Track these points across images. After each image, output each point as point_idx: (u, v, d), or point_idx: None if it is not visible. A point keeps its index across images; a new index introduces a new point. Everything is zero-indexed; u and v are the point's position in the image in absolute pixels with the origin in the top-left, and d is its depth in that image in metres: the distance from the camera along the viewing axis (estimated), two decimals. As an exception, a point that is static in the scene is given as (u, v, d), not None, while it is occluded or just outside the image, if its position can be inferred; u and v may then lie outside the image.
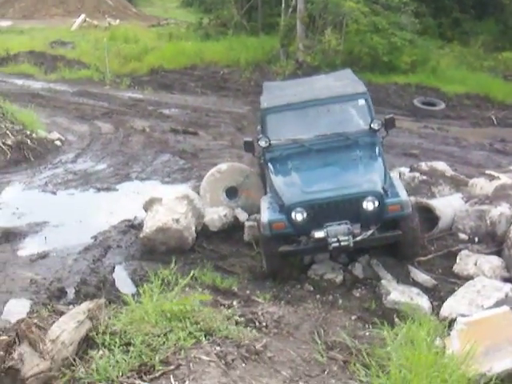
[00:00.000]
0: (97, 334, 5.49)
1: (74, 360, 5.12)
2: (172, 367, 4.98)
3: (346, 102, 9.71)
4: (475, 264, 8.89)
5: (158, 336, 5.44)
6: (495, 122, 18.84)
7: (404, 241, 8.70)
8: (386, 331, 7.09)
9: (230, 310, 6.52)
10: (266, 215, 8.55)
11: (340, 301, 8.42)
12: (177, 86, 22.07)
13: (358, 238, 8.27)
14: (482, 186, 10.67)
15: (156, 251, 9.59)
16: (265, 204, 8.86)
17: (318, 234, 8.24)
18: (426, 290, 8.65)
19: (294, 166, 9.06)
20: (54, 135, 15.33)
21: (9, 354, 4.80)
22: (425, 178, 11.48)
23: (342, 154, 9.19)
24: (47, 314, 6.75)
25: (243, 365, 5.33)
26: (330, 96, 9.70)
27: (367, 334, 7.33)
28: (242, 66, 23.19)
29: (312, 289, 8.72)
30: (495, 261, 9.01)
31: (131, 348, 5.22)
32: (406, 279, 8.85)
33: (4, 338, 5.12)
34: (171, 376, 4.86)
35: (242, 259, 9.57)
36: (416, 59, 23.31)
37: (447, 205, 10.15)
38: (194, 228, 9.74)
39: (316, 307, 8.13)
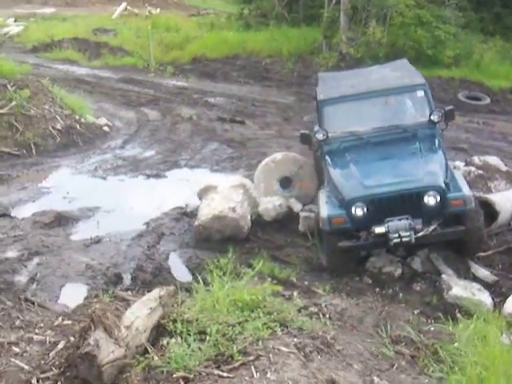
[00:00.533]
0: (168, 322, 5.41)
1: (148, 347, 5.03)
2: (251, 358, 4.89)
3: (404, 93, 9.53)
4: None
5: (233, 326, 5.34)
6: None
7: (467, 237, 8.46)
8: (451, 327, 7.00)
9: (298, 301, 6.36)
10: (325, 210, 8.38)
11: (400, 294, 8.31)
12: (219, 74, 21.97)
13: (420, 234, 8.05)
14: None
15: (211, 239, 9.52)
16: (323, 198, 8.69)
17: (379, 230, 8.04)
18: (486, 285, 8.49)
19: (352, 159, 8.87)
20: (102, 121, 15.34)
21: (83, 340, 4.71)
22: (480, 172, 11.27)
23: (401, 147, 8.98)
24: (108, 300, 6.76)
25: (319, 357, 5.23)
26: (387, 87, 9.51)
27: (432, 328, 7.16)
28: (285, 57, 22.99)
29: (370, 282, 8.62)
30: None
31: (207, 337, 5.11)
32: (466, 274, 8.71)
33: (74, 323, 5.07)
34: (252, 367, 4.76)
35: (298, 250, 9.48)
36: (459, 53, 22.95)
37: (506, 199, 9.95)
38: (249, 217, 9.64)
39: (376, 300, 8.04)
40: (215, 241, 9.50)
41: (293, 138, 14.96)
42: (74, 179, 12.35)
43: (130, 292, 7.83)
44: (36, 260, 8.75)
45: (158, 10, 33.78)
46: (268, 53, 23.59)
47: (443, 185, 8.19)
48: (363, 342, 6.35)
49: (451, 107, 9.42)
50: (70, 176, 12.52)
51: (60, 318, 6.41)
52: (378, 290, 8.41)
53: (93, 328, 4.72)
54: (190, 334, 5.23)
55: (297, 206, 10.40)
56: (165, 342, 5.18)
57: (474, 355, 5.94)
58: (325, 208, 8.42)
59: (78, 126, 14.41)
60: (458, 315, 7.64)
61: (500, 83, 21.13)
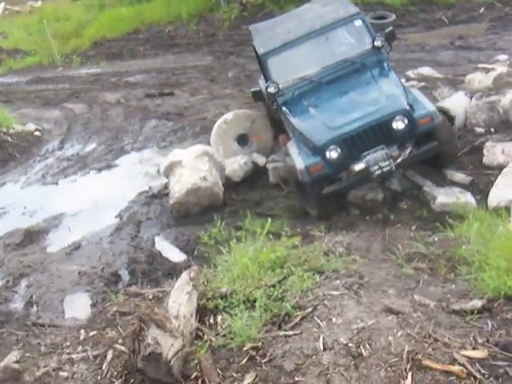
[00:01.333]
0: (208, 301, 5.37)
1: (204, 329, 4.99)
2: (309, 310, 4.93)
3: (343, 26, 9.44)
4: (503, 152, 8.99)
5: (274, 286, 5.35)
6: (447, 22, 18.89)
7: (443, 150, 8.60)
8: (453, 233, 7.24)
9: (318, 246, 6.39)
10: (300, 161, 8.31)
11: (391, 216, 8.47)
12: (126, 52, 21.45)
13: (399, 160, 8.14)
14: (479, 79, 10.76)
15: (189, 214, 9.47)
16: (294, 150, 8.62)
17: (359, 167, 8.08)
18: (464, 187, 8.74)
19: (311, 104, 8.82)
20: (31, 127, 14.78)
21: (139, 342, 4.62)
22: (422, 84, 11.49)
23: (354, 79, 8.97)
24: (124, 299, 6.64)
25: (362, 292, 5.30)
26: (325, 25, 9.41)
27: (436, 239, 7.37)
28: (185, 20, 22.64)
29: (358, 212, 8.74)
30: (519, 141, 9.13)
31: (255, 304, 5.10)
32: (443, 182, 8.94)
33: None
34: (315, 317, 4.78)
35: (277, 201, 9.58)
36: (355, -25, 23.05)
37: (457, 104, 10.21)
38: (220, 182, 9.59)
39: (370, 228, 8.14)
40: (194, 214, 9.45)
41: (225, 96, 14.98)
42: (26, 192, 11.90)
43: (133, 286, 7.71)
44: (24, 282, 8.42)
45: (40, 2, 32.54)
46: (168, 20, 23.15)
47: (408, 107, 8.21)
48: (383, 269, 6.46)
49: (391, 28, 9.41)
50: (20, 190, 12.06)
51: (82, 331, 6.25)
52: (368, 218, 8.55)
53: (146, 328, 4.62)
54: (234, 307, 5.20)
55: (261, 160, 10.43)
56: (214, 320, 5.15)
57: (490, 250, 6.15)
58: (299, 159, 8.35)
59: (10, 138, 13.85)
60: (450, 220, 7.83)
61: (399, -3, 21.42)
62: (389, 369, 4.21)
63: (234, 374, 4.50)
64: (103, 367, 5.03)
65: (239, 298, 5.29)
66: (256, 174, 10.32)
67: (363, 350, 4.37)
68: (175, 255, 8.60)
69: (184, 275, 5.52)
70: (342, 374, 4.17)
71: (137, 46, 21.92)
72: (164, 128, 13.48)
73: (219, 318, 5.21)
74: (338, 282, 5.38)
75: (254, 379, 4.36)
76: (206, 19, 22.70)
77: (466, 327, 4.91)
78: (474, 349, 4.47)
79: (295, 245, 6.52)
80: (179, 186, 9.34)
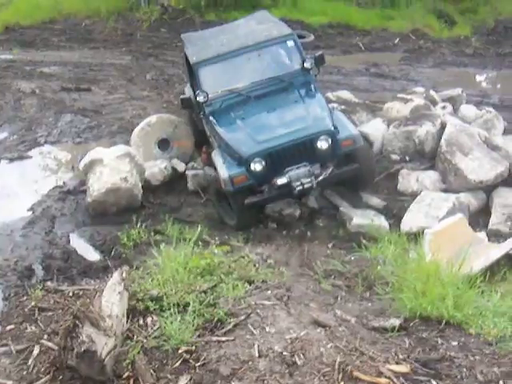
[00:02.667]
0: (138, 302, 5.41)
1: (136, 331, 5.03)
2: (242, 317, 5.05)
3: (275, 45, 9.69)
4: (417, 180, 9.48)
5: (205, 292, 5.45)
6: (363, 48, 19.57)
7: (361, 173, 8.92)
8: (369, 253, 7.59)
9: (251, 256, 6.55)
10: (224, 171, 8.47)
11: (308, 233, 8.73)
12: (39, 42, 20.79)
13: (320, 178, 8.43)
14: (397, 109, 11.22)
15: (106, 213, 9.40)
16: (219, 159, 8.77)
17: (281, 181, 8.31)
18: (379, 210, 9.14)
19: (238, 116, 8.99)
20: None
21: (72, 339, 4.62)
22: (343, 107, 11.86)
23: (282, 97, 9.18)
24: (42, 294, 6.55)
25: (291, 303, 5.49)
26: (258, 41, 9.61)
27: (352, 258, 7.72)
28: (104, 16, 22.27)
29: (276, 226, 8.96)
30: (433, 175, 9.73)
31: (188, 308, 5.19)
32: (359, 204, 9.30)
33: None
34: (248, 325, 4.92)
35: (195, 208, 9.67)
36: (276, -6, 23.58)
37: (375, 130, 10.64)
38: (140, 184, 9.59)
39: (287, 243, 8.38)
40: (111, 214, 9.39)
41: (144, 98, 14.93)
42: None
43: (49, 282, 7.56)
44: None
45: None
46: (86, 13, 22.67)
47: (332, 128, 8.53)
48: (302, 283, 6.69)
49: (321, 52, 9.75)
50: None
51: (-1, 326, 6.11)
52: (284, 232, 8.78)
53: (80, 325, 4.62)
54: (165, 310, 5.27)
55: (180, 166, 10.50)
56: (144, 321, 5.20)
57: (406, 272, 6.51)
58: (224, 169, 8.51)
59: None
60: (365, 241, 8.17)
61: (318, 19, 22.00)
62: (322, 378, 4.41)
63: (169, 376, 4.57)
64: (29, 362, 4.95)
65: (170, 301, 5.36)
66: (174, 180, 10.38)
67: (297, 359, 4.55)
68: (91, 254, 8.52)
69: (116, 275, 5.52)
70: (278, 381, 4.33)
71: (52, 36, 21.32)
72: (80, 124, 13.23)
73: (149, 319, 5.26)
74: (268, 292, 5.56)
75: (188, 381, 4.45)
76: (125, 18, 22.47)
77: (386, 343, 5.19)
78: (397, 363, 4.74)
79: (223, 253, 6.63)
80: (99, 185, 9.26)
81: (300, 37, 21.20)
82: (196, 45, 10.29)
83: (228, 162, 8.58)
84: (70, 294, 6.34)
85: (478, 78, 17.47)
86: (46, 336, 5.21)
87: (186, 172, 10.36)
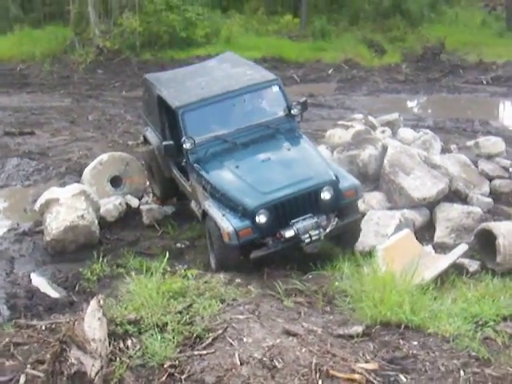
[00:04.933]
0: (117, 327, 5.66)
1: (117, 352, 5.28)
2: (219, 332, 5.36)
3: (261, 90, 9.50)
4: (363, 202, 9.92)
5: (181, 312, 5.74)
6: (298, 80, 20.24)
7: (358, 226, 8.89)
8: (326, 272, 8.02)
9: (220, 277, 6.85)
10: (228, 224, 8.00)
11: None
12: (-28, 86, 20.89)
13: (328, 230, 8.22)
14: (339, 135, 11.72)
15: (65, 251, 9.58)
16: (216, 211, 8.29)
17: (289, 234, 8.05)
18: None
19: (231, 165, 8.66)
20: None
21: (60, 363, 4.83)
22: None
23: (272, 145, 9.00)
24: (15, 330, 6.68)
25: (263, 317, 5.84)
26: (243, 86, 9.36)
27: (310, 276, 8.11)
28: (39, 60, 22.60)
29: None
30: (378, 195, 10.23)
31: (166, 328, 5.48)
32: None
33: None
34: (226, 337, 5.24)
35: (152, 241, 9.96)
36: (209, 31, 24.26)
37: (320, 156, 11.09)
38: (96, 221, 9.81)
39: (246, 267, 8.63)
40: (70, 251, 9.57)
41: (88, 139, 15.24)
42: None
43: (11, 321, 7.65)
44: None
45: None
46: (20, 57, 23.02)
47: (335, 178, 8.38)
48: (266, 302, 6.99)
49: (305, 99, 9.59)
50: None
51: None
52: (242, 257, 9.05)
53: (67, 349, 4.84)
54: (145, 331, 5.54)
55: (134, 202, 10.81)
56: (124, 344, 5.45)
57: (363, 284, 6.95)
58: (226, 222, 8.04)
59: None
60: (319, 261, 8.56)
61: (252, 54, 22.52)
62: (301, 378, 4.77)
63: (156, 389, 4.85)
64: (18, 392, 5.12)
65: (148, 323, 5.63)
66: (129, 215, 10.66)
67: (277, 363, 4.89)
68: (54, 291, 8.66)
69: (93, 302, 5.74)
70: (262, 383, 4.66)
71: (-15, 80, 21.42)
72: (27, 167, 13.39)
73: (129, 342, 5.50)
74: (240, 307, 5.90)
75: (176, 393, 4.74)
76: (61, 60, 22.82)
77: (353, 347, 5.58)
78: (366, 362, 5.13)
79: (192, 277, 6.95)
80: (56, 224, 9.44)
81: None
82: (171, 87, 9.88)
83: (230, 215, 8.14)
84: (43, 328, 6.47)
85: (411, 103, 18.41)
86: (29, 366, 5.36)
87: (140, 207, 10.67)
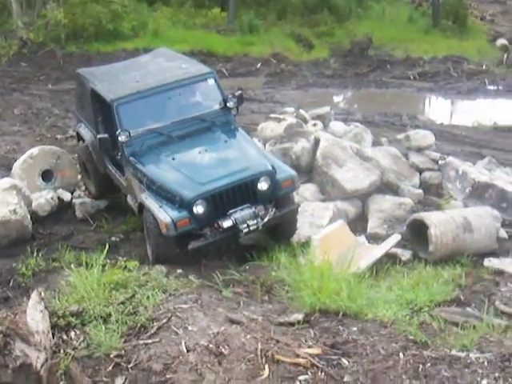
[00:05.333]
0: (59, 319, 5.61)
1: (62, 344, 5.25)
2: (164, 321, 5.39)
3: (196, 83, 9.48)
4: (297, 193, 10.07)
5: (124, 303, 5.74)
6: (226, 74, 20.27)
7: (295, 216, 8.96)
8: (263, 262, 8.15)
9: (159, 269, 6.86)
10: (165, 215, 8.00)
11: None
12: None
13: (266, 220, 8.25)
14: (272, 128, 11.86)
15: (-4, 247, 9.37)
16: (153, 203, 8.27)
17: (227, 224, 8.08)
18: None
19: (168, 158, 8.64)
20: None
21: (4, 356, 4.77)
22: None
23: (208, 138, 9.02)
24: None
25: (205, 306, 5.91)
26: (179, 79, 9.34)
27: (247, 267, 8.22)
28: (-41, 53, 21.88)
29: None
30: (311, 187, 10.43)
31: (110, 319, 5.47)
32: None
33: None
34: (172, 326, 5.28)
35: (86, 235, 9.83)
36: (136, 24, 24.01)
37: (253, 149, 11.19)
38: (29, 216, 9.65)
39: (183, 259, 8.67)
40: (3, 247, 9.37)
41: (15, 133, 14.91)
42: None
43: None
44: None
45: None
46: None
47: (271, 168, 8.43)
48: (205, 293, 7.05)
49: (240, 92, 9.54)
50: None
51: None
52: (178, 250, 9.05)
53: (12, 342, 4.79)
54: (88, 322, 5.52)
55: (66, 196, 10.67)
56: (67, 335, 5.42)
57: (301, 274, 7.10)
58: (163, 213, 8.04)
59: None
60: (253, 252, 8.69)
61: (181, 47, 22.45)
62: (248, 363, 4.86)
63: (104, 379, 4.84)
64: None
65: (91, 314, 5.61)
66: (62, 209, 10.51)
67: (223, 350, 4.97)
68: (-13, 286, 8.47)
69: (34, 296, 5.67)
70: (210, 369, 4.73)
71: None
72: (-48, 162, 13.01)
73: (72, 333, 5.47)
74: (183, 297, 5.94)
75: (124, 381, 4.74)
76: (-17, 53, 22.10)
77: (295, 334, 5.71)
78: (309, 347, 5.26)
79: (132, 269, 6.94)
80: (-13, 219, 9.25)
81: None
82: (105, 81, 9.80)
83: (167, 206, 8.14)
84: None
85: (340, 97, 18.70)
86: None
87: (73, 201, 10.54)
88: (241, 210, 8.15)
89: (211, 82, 9.45)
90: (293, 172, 8.80)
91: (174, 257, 8.18)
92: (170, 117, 9.14)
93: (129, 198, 9.41)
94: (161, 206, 8.12)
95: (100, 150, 9.55)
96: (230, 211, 8.12)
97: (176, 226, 7.92)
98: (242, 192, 8.21)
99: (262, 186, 8.28)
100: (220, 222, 8.09)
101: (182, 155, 8.68)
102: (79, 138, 11.01)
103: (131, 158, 8.81)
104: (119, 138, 8.69)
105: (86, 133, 10.41)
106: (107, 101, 9.06)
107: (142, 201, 8.45)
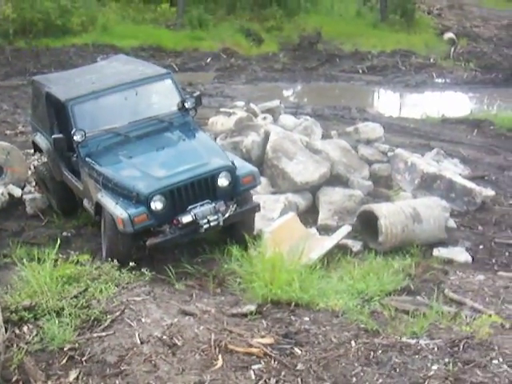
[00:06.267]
0: (12, 314, 5.60)
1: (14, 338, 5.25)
2: (117, 313, 5.43)
3: (153, 83, 9.33)
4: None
5: (77, 296, 5.76)
6: (176, 69, 20.28)
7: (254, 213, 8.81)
8: (216, 255, 8.23)
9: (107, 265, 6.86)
10: (121, 210, 7.77)
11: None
12: None
13: (227, 215, 8.12)
14: (222, 122, 11.92)
15: None
16: (109, 200, 8.04)
17: (186, 219, 7.89)
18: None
19: (124, 156, 8.48)
20: None
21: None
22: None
23: (166, 137, 8.88)
24: None
25: (159, 299, 5.97)
26: (135, 79, 9.22)
27: (200, 260, 8.28)
28: None
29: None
30: (262, 180, 10.36)
31: (63, 312, 5.48)
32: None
33: None
34: (125, 318, 5.32)
35: (37, 230, 9.75)
36: (85, 19, 23.82)
37: (204, 143, 11.23)
38: (-23, 212, 9.56)
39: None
40: None
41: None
42: None
43: None
44: None
45: None
46: None
47: (231, 164, 8.31)
48: (157, 286, 7.11)
49: (199, 93, 9.59)
50: None
51: None
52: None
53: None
54: (41, 317, 5.52)
55: (17, 191, 10.54)
56: (20, 330, 5.41)
57: (253, 266, 7.21)
58: (119, 209, 7.81)
59: None
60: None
61: (130, 43, 22.53)
62: (201, 353, 4.93)
63: (58, 372, 4.85)
64: None
65: (44, 308, 5.61)
66: (12, 205, 10.38)
67: (177, 341, 5.03)
68: None
69: (-14, 290, 5.67)
70: (164, 360, 4.79)
71: None
72: None
73: (25, 328, 5.47)
74: (136, 290, 5.98)
75: (78, 375, 4.77)
76: None
77: (248, 325, 5.81)
78: (262, 337, 5.35)
79: (84, 262, 6.95)
80: None
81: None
82: (60, 84, 9.61)
83: (123, 202, 7.91)
84: None
85: (290, 91, 18.87)
86: None
87: (24, 197, 10.43)
88: (201, 205, 7.98)
89: (168, 82, 9.32)
90: (254, 168, 8.68)
91: (128, 254, 7.98)
92: (126, 117, 8.95)
93: (85, 202, 9.13)
94: (117, 203, 7.91)
95: (55, 152, 9.32)
96: (190, 207, 7.96)
97: (133, 222, 7.70)
98: (201, 188, 8.06)
99: (223, 181, 8.15)
100: (179, 218, 7.90)
101: (140, 153, 8.52)
102: (35, 148, 10.64)
103: (87, 159, 8.59)
104: (74, 138, 8.48)
105: (42, 141, 10.02)
106: (62, 101, 8.88)
107: (98, 199, 8.23)
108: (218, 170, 8.15)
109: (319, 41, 22.20)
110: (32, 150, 11.13)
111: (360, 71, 19.85)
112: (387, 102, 18.59)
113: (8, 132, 14.23)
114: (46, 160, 10.11)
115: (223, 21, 25.14)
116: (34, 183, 11.05)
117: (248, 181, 8.44)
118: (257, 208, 8.63)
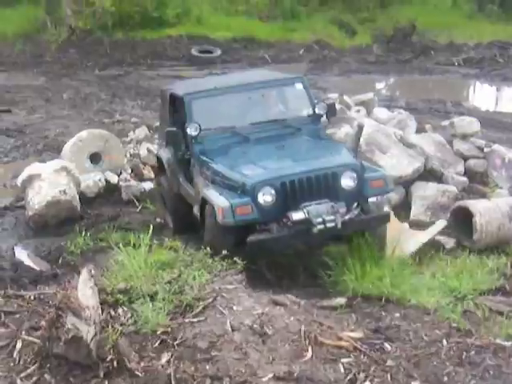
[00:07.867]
0: (107, 296, 5.78)
1: (110, 319, 5.43)
2: (210, 300, 5.53)
3: (282, 86, 8.85)
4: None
5: (170, 282, 5.89)
6: (269, 61, 20.37)
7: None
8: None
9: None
10: (222, 200, 7.00)
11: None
12: None
13: (347, 218, 7.01)
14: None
15: (47, 226, 9.63)
16: (214, 193, 7.28)
17: (297, 216, 6.87)
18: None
19: (239, 152, 7.82)
20: None
21: (57, 329, 4.96)
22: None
23: (291, 140, 8.04)
24: (5, 300, 6.77)
25: (249, 289, 6.05)
26: (262, 80, 8.84)
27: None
28: (11, 39, 22.48)
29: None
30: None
31: (157, 297, 5.62)
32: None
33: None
34: (217, 306, 5.42)
35: (132, 216, 10.05)
36: (180, 11, 24.27)
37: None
38: (77, 197, 9.89)
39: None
40: (52, 226, 9.64)
41: (64, 117, 15.32)
42: None
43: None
44: None
45: None
46: (-9, 36, 22.77)
47: (358, 163, 7.46)
48: (249, 273, 7.12)
49: (333, 101, 8.95)
50: None
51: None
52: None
53: (64, 315, 4.97)
54: (135, 300, 5.68)
55: (114, 178, 10.88)
56: (115, 312, 5.58)
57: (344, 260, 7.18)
58: (221, 198, 7.04)
59: None
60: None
61: (223, 34, 22.82)
62: (292, 344, 4.97)
63: (151, 354, 4.98)
64: (14, 355, 5.22)
65: (138, 292, 5.76)
66: (109, 191, 10.73)
67: (267, 330, 5.08)
68: (38, 264, 8.72)
69: (84, 272, 5.85)
70: (255, 348, 4.85)
71: (-40, 61, 21.24)
72: (5, 143, 13.46)
73: (120, 310, 5.63)
74: (229, 278, 6.07)
75: (170, 358, 4.89)
76: (33, 40, 22.75)
77: (337, 318, 5.82)
78: (351, 331, 5.35)
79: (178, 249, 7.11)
80: (39, 198, 9.50)
81: (207, 51, 21.98)
82: (184, 85, 9.80)
83: (227, 193, 7.14)
84: (32, 298, 6.56)
85: (383, 84, 18.62)
86: (23, 333, 5.47)
87: (120, 183, 10.74)
88: (317, 203, 6.93)
89: (299, 86, 8.59)
90: (386, 172, 7.80)
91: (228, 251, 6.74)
92: (249, 118, 8.33)
93: (194, 209, 8.20)
94: (221, 194, 7.15)
95: (169, 143, 8.75)
96: (304, 204, 6.95)
97: (234, 212, 6.83)
98: (320, 185, 7.02)
99: (347, 182, 7.11)
100: (289, 214, 6.92)
101: (256, 149, 7.83)
102: (160, 164, 9.62)
103: (200, 157, 8.00)
104: (187, 131, 7.89)
105: (166, 154, 9.18)
106: (180, 96, 8.50)
107: (204, 194, 7.49)
108: (340, 168, 7.19)
109: (413, 32, 21.78)
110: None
111: (456, 64, 19.40)
112: (484, 95, 18.08)
113: (106, 120, 14.71)
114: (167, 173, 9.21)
115: (316, 12, 25.07)
116: (129, 170, 11.36)
117: (378, 185, 7.40)
118: (387, 217, 7.60)
